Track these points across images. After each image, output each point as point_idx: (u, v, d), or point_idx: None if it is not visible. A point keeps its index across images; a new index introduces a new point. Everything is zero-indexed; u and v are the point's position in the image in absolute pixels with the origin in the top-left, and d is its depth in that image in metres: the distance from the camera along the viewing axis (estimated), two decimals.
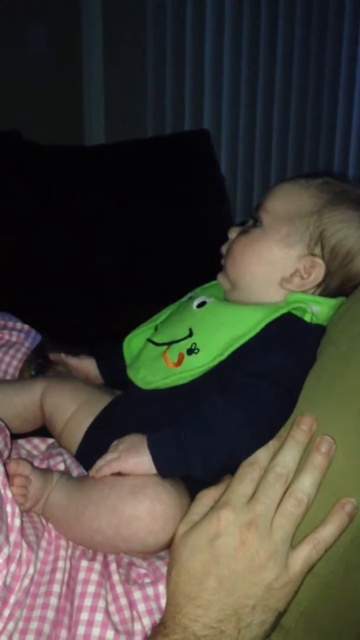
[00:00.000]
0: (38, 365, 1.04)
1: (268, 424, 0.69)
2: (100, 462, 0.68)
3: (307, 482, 0.64)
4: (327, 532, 0.63)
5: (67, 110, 2.59)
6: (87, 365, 0.89)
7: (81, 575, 0.67)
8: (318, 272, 0.76)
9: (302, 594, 0.66)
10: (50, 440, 0.85)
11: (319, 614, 0.68)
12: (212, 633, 0.59)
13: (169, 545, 0.68)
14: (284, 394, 0.69)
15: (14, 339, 1.09)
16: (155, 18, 2.69)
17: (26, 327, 1.11)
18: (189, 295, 0.84)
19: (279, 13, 2.97)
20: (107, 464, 0.68)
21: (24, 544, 0.64)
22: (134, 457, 0.67)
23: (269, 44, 2.99)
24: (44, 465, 0.77)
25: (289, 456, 0.65)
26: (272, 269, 0.77)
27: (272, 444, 0.67)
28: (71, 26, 2.54)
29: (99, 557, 0.69)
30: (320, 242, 0.76)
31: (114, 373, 0.86)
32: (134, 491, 0.66)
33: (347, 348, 0.70)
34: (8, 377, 1.03)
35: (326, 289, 0.77)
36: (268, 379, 0.68)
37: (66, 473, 0.75)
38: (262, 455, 0.66)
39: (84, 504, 0.68)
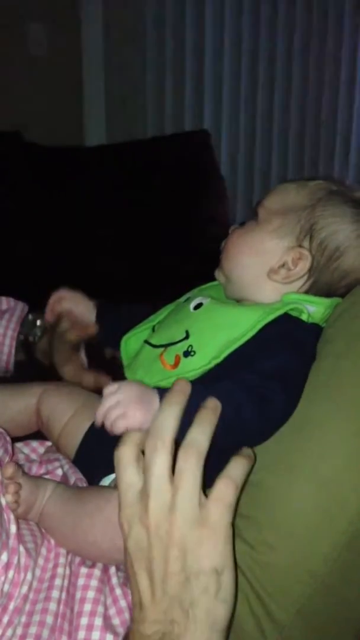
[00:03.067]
0: (36, 327, 1.04)
1: (276, 423, 0.68)
2: (100, 416, 0.64)
3: (196, 434, 0.58)
4: (236, 469, 0.59)
5: (67, 110, 2.59)
6: (84, 310, 0.91)
7: (81, 582, 0.67)
8: (304, 264, 0.76)
9: (299, 592, 0.66)
10: (49, 443, 0.85)
11: (316, 613, 0.68)
12: (162, 627, 0.55)
13: None
14: (292, 395, 0.70)
15: (4, 306, 1.09)
16: (155, 18, 2.69)
17: (12, 300, 1.11)
18: (186, 296, 0.85)
19: (279, 14, 2.97)
20: (114, 423, 0.62)
21: (22, 550, 0.64)
22: (143, 410, 0.62)
23: (270, 44, 2.99)
24: (42, 470, 0.77)
25: (165, 420, 0.59)
26: (261, 260, 0.78)
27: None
28: (71, 26, 2.54)
29: (99, 564, 0.69)
30: (309, 234, 0.76)
31: (109, 329, 0.88)
32: None
33: (343, 348, 0.71)
34: (5, 348, 1.02)
35: (315, 285, 0.77)
36: (277, 381, 0.68)
37: (64, 479, 0.75)
38: (126, 436, 0.61)
39: (80, 517, 0.67)
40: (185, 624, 0.55)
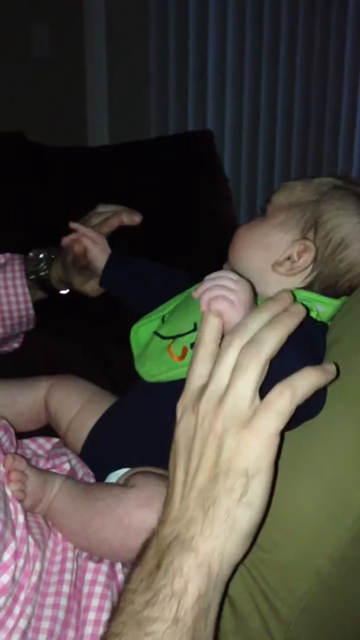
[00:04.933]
0: (41, 261, 1.07)
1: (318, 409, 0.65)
2: (209, 287, 0.61)
3: (265, 335, 0.55)
4: (301, 379, 0.54)
5: (70, 111, 2.59)
6: (98, 256, 0.93)
7: (88, 576, 0.67)
8: (308, 256, 0.76)
9: (304, 590, 0.67)
10: (55, 440, 0.85)
11: (321, 610, 0.68)
12: (178, 527, 0.53)
13: None
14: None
15: (1, 260, 1.09)
16: (158, 19, 2.70)
17: (6, 254, 1.12)
18: (195, 287, 0.85)
19: (282, 14, 2.97)
20: (214, 300, 0.60)
21: (31, 540, 0.64)
22: (242, 313, 0.60)
23: (272, 44, 2.99)
24: (49, 465, 0.77)
25: (253, 321, 0.57)
26: (267, 253, 0.78)
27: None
28: (75, 28, 2.55)
29: (106, 560, 0.69)
30: (314, 227, 0.77)
31: (115, 277, 0.91)
32: (140, 504, 0.66)
33: (350, 346, 0.71)
34: (20, 297, 1.05)
35: (319, 279, 0.77)
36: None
37: (71, 474, 0.76)
38: (210, 328, 0.60)
39: (90, 515, 0.67)
40: (203, 523, 0.52)
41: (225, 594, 0.55)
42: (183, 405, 0.57)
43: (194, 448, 0.55)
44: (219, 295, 0.61)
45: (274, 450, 0.54)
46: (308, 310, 0.74)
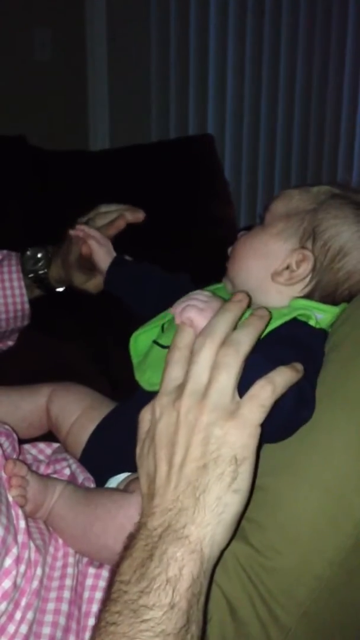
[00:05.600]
0: (39, 260, 1.08)
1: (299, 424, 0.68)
2: (182, 303, 0.65)
3: (240, 335, 0.59)
4: (278, 375, 0.59)
5: (71, 114, 2.60)
6: (103, 258, 0.93)
7: (89, 582, 0.67)
8: (306, 266, 0.76)
9: (304, 596, 0.67)
10: (56, 445, 0.85)
11: (321, 616, 0.68)
12: (169, 517, 0.55)
13: None
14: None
15: None
16: (159, 22, 2.71)
17: (3, 250, 1.13)
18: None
19: (283, 18, 2.98)
20: (188, 309, 0.64)
21: (32, 545, 0.65)
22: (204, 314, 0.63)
23: (273, 48, 3.00)
24: (49, 470, 0.77)
25: (219, 322, 0.61)
26: (265, 263, 0.78)
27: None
28: (76, 31, 2.56)
29: (107, 565, 0.69)
30: (312, 236, 0.77)
31: (117, 279, 0.91)
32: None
33: (349, 353, 0.71)
34: (17, 291, 1.06)
35: (318, 287, 0.78)
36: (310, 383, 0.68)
37: (72, 479, 0.76)
38: (183, 335, 0.63)
39: (91, 521, 0.68)
40: (194, 511, 0.55)
41: (212, 577, 0.57)
42: (161, 405, 0.60)
43: (178, 441, 0.57)
44: (190, 305, 0.65)
45: (257, 439, 0.57)
46: (307, 318, 0.74)
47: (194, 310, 0.64)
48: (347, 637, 0.71)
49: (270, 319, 0.65)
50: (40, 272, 1.09)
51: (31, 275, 1.09)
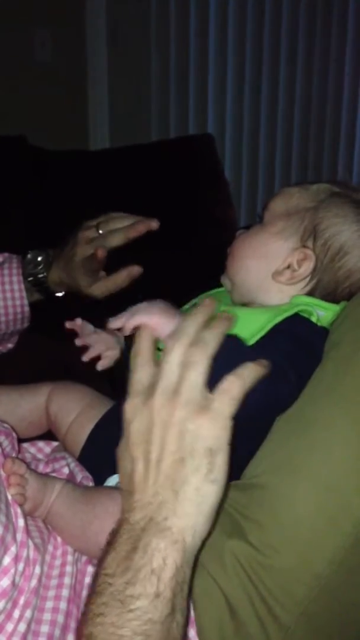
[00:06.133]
0: (40, 263, 1.07)
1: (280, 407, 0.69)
2: (125, 314, 0.67)
3: (207, 335, 0.62)
4: (246, 371, 0.61)
5: (72, 114, 2.60)
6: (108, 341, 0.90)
7: (87, 580, 0.67)
8: (308, 265, 0.76)
9: (303, 595, 0.67)
10: (55, 443, 0.86)
11: (320, 615, 0.68)
12: (150, 511, 0.57)
13: None
14: (299, 387, 0.70)
15: None
16: (159, 22, 2.71)
17: (5, 253, 1.12)
18: (193, 302, 0.85)
19: (283, 18, 2.98)
20: (133, 313, 0.66)
21: (31, 544, 0.65)
22: (163, 317, 0.66)
23: (273, 48, 3.00)
24: (48, 469, 0.77)
25: (189, 325, 0.63)
26: (265, 262, 0.78)
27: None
28: (76, 32, 2.56)
29: None
30: (313, 235, 0.77)
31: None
32: None
33: (348, 351, 0.71)
34: (17, 293, 1.05)
35: (319, 285, 0.78)
36: (292, 369, 0.69)
37: (70, 478, 0.76)
38: (142, 340, 0.65)
39: (89, 519, 0.68)
40: (174, 503, 0.57)
41: (195, 567, 0.59)
42: (132, 406, 0.61)
43: (153, 439, 0.59)
44: (137, 314, 0.66)
45: (230, 431, 0.59)
46: (308, 314, 0.74)
47: (140, 315, 0.65)
48: (346, 636, 0.71)
49: (235, 320, 0.66)
50: (40, 275, 1.09)
51: (30, 278, 1.08)
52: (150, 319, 0.65)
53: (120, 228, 1.02)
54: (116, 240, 1.03)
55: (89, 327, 0.92)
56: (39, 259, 1.09)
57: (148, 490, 0.58)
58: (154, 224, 1.00)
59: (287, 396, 0.70)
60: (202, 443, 0.58)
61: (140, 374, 0.63)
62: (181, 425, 0.58)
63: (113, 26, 2.59)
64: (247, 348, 0.69)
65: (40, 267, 1.09)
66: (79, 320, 0.93)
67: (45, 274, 1.09)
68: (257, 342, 0.72)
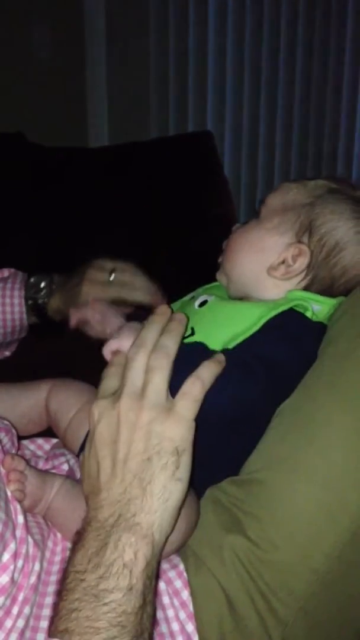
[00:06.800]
0: (41, 289, 1.06)
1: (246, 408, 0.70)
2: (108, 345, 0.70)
3: (166, 340, 0.65)
4: (204, 371, 0.64)
5: (70, 112, 2.60)
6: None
7: None
8: (302, 260, 0.77)
9: (302, 590, 0.67)
10: (54, 440, 0.86)
11: (318, 610, 0.68)
12: (118, 507, 0.59)
13: (175, 552, 0.69)
14: (274, 386, 0.71)
15: (5, 274, 1.10)
16: (158, 20, 2.70)
17: (11, 269, 1.12)
18: (191, 294, 0.86)
19: (282, 15, 2.98)
20: (108, 346, 0.69)
21: (30, 540, 0.65)
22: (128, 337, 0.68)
23: (272, 45, 3.00)
24: (48, 466, 0.77)
25: (148, 333, 0.66)
26: (261, 257, 0.78)
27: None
28: (75, 29, 2.55)
29: None
30: (309, 230, 0.77)
31: None
32: None
33: (346, 347, 0.71)
34: (16, 308, 1.05)
35: (314, 281, 0.78)
36: (264, 367, 0.69)
37: (70, 474, 0.76)
38: (117, 359, 0.68)
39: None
40: (142, 500, 0.59)
41: (160, 563, 0.61)
42: (99, 408, 0.64)
43: (120, 438, 0.61)
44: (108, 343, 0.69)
45: (193, 431, 0.62)
46: (304, 309, 0.75)
47: (113, 342, 0.68)
48: (345, 630, 0.72)
49: (188, 321, 0.69)
50: (40, 301, 1.07)
51: (30, 302, 1.07)
52: (123, 342, 0.68)
53: (137, 288, 0.99)
54: (136, 298, 0.99)
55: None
56: (42, 284, 1.08)
57: (115, 489, 0.60)
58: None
59: (257, 396, 0.70)
60: (168, 443, 0.60)
61: (110, 381, 0.66)
62: (148, 426, 0.61)
63: (112, 23, 2.58)
64: (212, 353, 0.70)
65: (41, 293, 1.08)
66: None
67: (45, 299, 1.07)
68: (246, 339, 0.72)
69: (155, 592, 0.59)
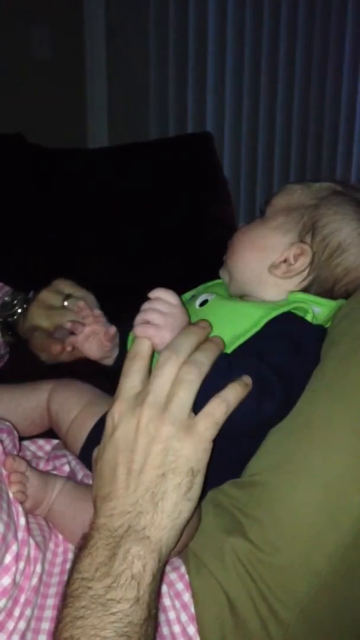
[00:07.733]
0: (14, 309, 1.02)
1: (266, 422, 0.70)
2: (143, 314, 0.67)
3: (199, 355, 0.63)
4: (231, 393, 0.62)
5: (70, 112, 2.60)
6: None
7: None
8: (304, 260, 0.77)
9: (303, 592, 0.67)
10: (55, 441, 0.86)
11: (320, 612, 0.68)
12: (128, 519, 0.58)
13: (176, 555, 0.69)
14: (288, 397, 0.71)
15: None
16: (158, 21, 2.71)
17: None
18: (191, 293, 0.86)
19: (282, 16, 2.98)
20: (147, 328, 0.66)
21: (32, 542, 0.65)
22: (170, 334, 0.65)
23: (272, 46, 3.00)
24: (49, 467, 0.77)
25: (184, 340, 0.64)
26: (263, 255, 0.79)
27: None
28: (74, 29, 2.55)
29: None
30: (312, 231, 0.77)
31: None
32: None
33: (347, 349, 0.71)
34: None
35: (315, 282, 0.78)
36: (280, 380, 0.69)
37: (71, 476, 0.76)
38: (142, 346, 0.65)
39: (90, 516, 0.68)
40: (152, 515, 0.58)
41: (162, 578, 0.61)
42: (120, 411, 0.62)
43: (137, 448, 0.60)
44: (149, 319, 0.66)
45: (209, 453, 0.61)
46: (304, 312, 0.75)
47: (152, 329, 0.66)
48: (346, 632, 0.72)
49: (224, 347, 0.67)
50: (9, 319, 1.03)
51: (0, 320, 1.03)
52: (156, 336, 0.65)
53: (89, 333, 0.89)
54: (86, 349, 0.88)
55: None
56: (14, 302, 1.04)
57: (127, 498, 0.59)
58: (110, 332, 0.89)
59: (274, 412, 0.70)
60: (184, 462, 0.59)
61: (132, 379, 0.63)
62: (167, 442, 0.59)
63: (112, 24, 2.59)
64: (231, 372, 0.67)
65: (12, 311, 1.03)
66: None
67: (15, 317, 1.03)
68: (246, 343, 0.72)
69: (157, 607, 0.59)
